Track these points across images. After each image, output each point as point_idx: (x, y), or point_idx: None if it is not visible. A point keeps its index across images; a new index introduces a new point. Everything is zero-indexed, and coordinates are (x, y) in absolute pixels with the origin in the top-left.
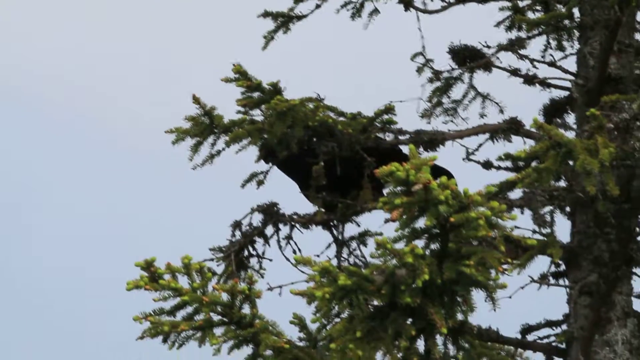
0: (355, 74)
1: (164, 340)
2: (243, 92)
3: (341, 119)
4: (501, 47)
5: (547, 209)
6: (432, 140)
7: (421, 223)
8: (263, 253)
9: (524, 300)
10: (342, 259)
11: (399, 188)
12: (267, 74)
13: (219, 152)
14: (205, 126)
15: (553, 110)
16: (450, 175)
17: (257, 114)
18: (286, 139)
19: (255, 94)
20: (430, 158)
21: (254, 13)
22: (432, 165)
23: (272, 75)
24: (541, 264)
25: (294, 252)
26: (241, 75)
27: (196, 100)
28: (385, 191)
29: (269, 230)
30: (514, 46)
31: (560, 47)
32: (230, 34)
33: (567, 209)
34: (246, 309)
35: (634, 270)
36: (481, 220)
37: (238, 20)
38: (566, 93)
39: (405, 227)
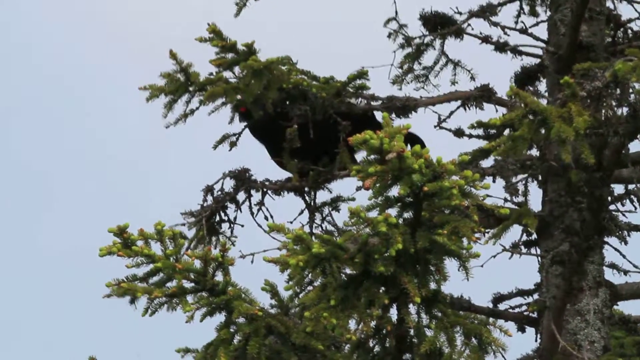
0: (327, 39)
1: (131, 302)
2: (217, 52)
3: (314, 82)
4: (472, 14)
5: (519, 177)
6: (405, 107)
7: (394, 192)
8: (235, 219)
9: (495, 269)
10: (315, 225)
11: (372, 156)
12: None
13: (193, 111)
14: (180, 83)
15: (525, 78)
16: (423, 144)
17: (231, 76)
18: (261, 100)
19: (230, 55)
20: (404, 126)
21: None
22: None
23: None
24: (513, 233)
25: (266, 218)
26: (216, 35)
27: (173, 55)
28: (357, 158)
29: (241, 196)
30: (485, 13)
31: (534, 13)
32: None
33: (539, 177)
34: (219, 276)
35: (606, 239)
36: (454, 189)
37: None
38: (537, 60)
39: (378, 195)
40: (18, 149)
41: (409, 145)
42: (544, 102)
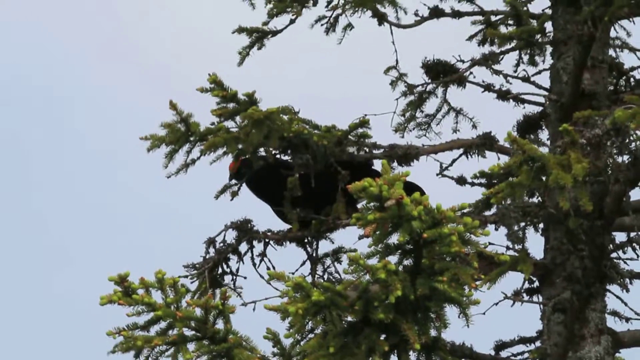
0: (329, 88)
1: (136, 356)
2: (218, 102)
3: (316, 131)
4: (475, 62)
5: (521, 225)
6: (406, 155)
7: (394, 239)
8: (237, 270)
9: (497, 317)
10: (317, 275)
11: (372, 204)
12: (243, 88)
13: (194, 161)
14: (181, 133)
15: (526, 126)
16: (422, 191)
17: (232, 126)
18: (262, 150)
19: (231, 105)
20: (403, 174)
21: (229, 28)
22: (404, 181)
23: (247, 88)
24: (515, 280)
25: (268, 269)
26: (217, 85)
27: (173, 106)
28: (358, 206)
29: (243, 247)
30: (487, 61)
31: (533, 62)
32: (208, 48)
33: (541, 225)
34: (220, 325)
35: (608, 287)
36: (454, 236)
37: (215, 34)
38: (540, 109)
39: (378, 243)
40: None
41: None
42: (545, 150)
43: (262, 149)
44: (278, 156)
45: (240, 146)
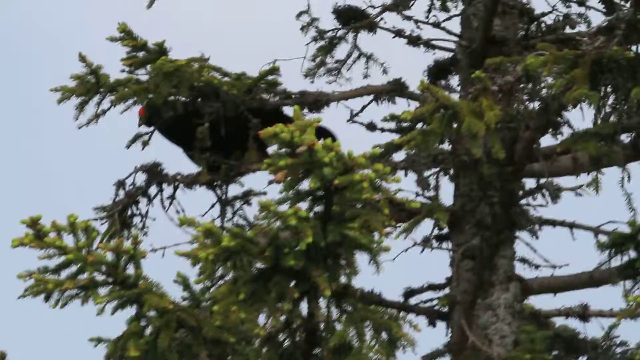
0: (238, 33)
1: (46, 299)
2: (129, 52)
3: (226, 79)
4: (385, 8)
5: (431, 171)
6: (317, 102)
7: (305, 185)
8: (146, 213)
9: (407, 264)
10: (226, 219)
11: (283, 150)
12: (152, 35)
13: (104, 112)
14: (91, 85)
15: (437, 72)
16: (334, 137)
17: (143, 74)
18: (171, 100)
19: (141, 54)
20: (314, 120)
21: None
22: (316, 127)
23: (157, 35)
24: (424, 227)
25: (178, 212)
26: (127, 35)
27: (82, 58)
28: (269, 151)
29: (153, 190)
30: (398, 7)
31: (445, 8)
32: None
33: (451, 172)
34: (130, 269)
35: (517, 234)
36: (365, 182)
37: None
38: (450, 54)
39: (289, 189)
40: None
41: (320, 140)
42: (456, 96)
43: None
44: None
45: (150, 96)
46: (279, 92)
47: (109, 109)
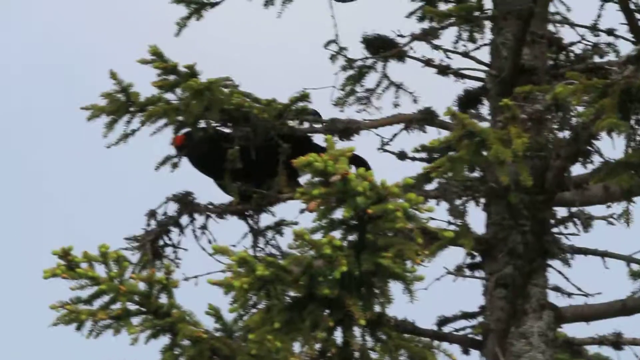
0: (269, 61)
1: (78, 328)
2: (159, 74)
3: (256, 105)
4: (414, 37)
5: (462, 199)
6: (347, 129)
7: (339, 214)
8: (179, 243)
9: (440, 292)
10: (259, 248)
11: (316, 179)
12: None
13: (133, 132)
14: (121, 103)
15: (467, 101)
16: (367, 166)
17: (173, 98)
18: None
19: (172, 77)
20: (348, 149)
21: None
22: (350, 156)
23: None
24: (457, 255)
25: (210, 242)
26: (157, 57)
27: (113, 75)
28: (301, 180)
29: (184, 219)
30: (427, 36)
31: (472, 39)
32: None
33: (482, 200)
34: (163, 299)
35: (549, 262)
36: (399, 212)
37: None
38: (480, 84)
39: (323, 218)
40: None
41: (353, 168)
42: (486, 125)
43: (202, 121)
44: (218, 128)
45: (180, 118)
46: (308, 118)
47: (138, 129)
